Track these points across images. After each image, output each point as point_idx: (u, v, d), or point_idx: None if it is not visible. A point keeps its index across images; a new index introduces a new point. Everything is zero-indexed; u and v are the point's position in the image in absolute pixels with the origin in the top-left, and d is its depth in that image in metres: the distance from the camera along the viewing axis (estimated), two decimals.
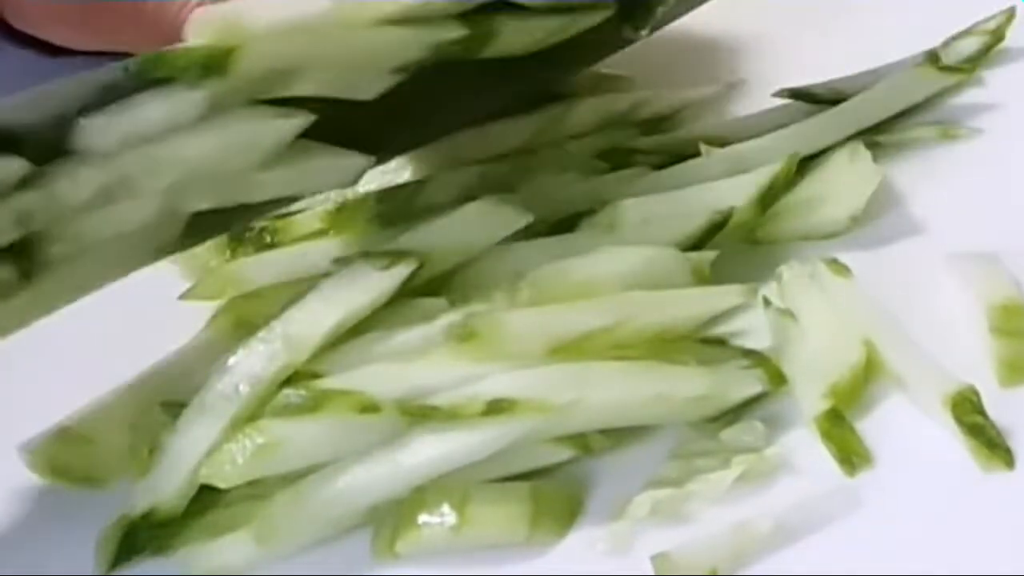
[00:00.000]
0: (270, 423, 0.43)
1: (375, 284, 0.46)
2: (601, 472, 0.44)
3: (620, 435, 0.45)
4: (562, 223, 0.50)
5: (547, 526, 0.43)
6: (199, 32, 0.45)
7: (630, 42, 0.56)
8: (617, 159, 0.54)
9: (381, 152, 0.50)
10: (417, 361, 0.44)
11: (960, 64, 0.56)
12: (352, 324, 0.45)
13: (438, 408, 0.43)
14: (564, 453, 0.44)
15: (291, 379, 0.44)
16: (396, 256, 0.46)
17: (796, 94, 0.56)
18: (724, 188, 0.50)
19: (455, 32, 0.48)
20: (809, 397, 0.44)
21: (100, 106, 0.44)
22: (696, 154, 0.52)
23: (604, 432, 0.44)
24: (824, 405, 0.43)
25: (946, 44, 0.56)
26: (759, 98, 0.57)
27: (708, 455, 0.43)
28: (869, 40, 0.59)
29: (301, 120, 0.46)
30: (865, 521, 0.41)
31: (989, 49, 0.57)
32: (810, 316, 0.46)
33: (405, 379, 0.43)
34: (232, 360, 0.44)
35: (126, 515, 0.44)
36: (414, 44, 0.47)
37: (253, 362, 0.44)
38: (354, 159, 0.48)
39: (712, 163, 0.52)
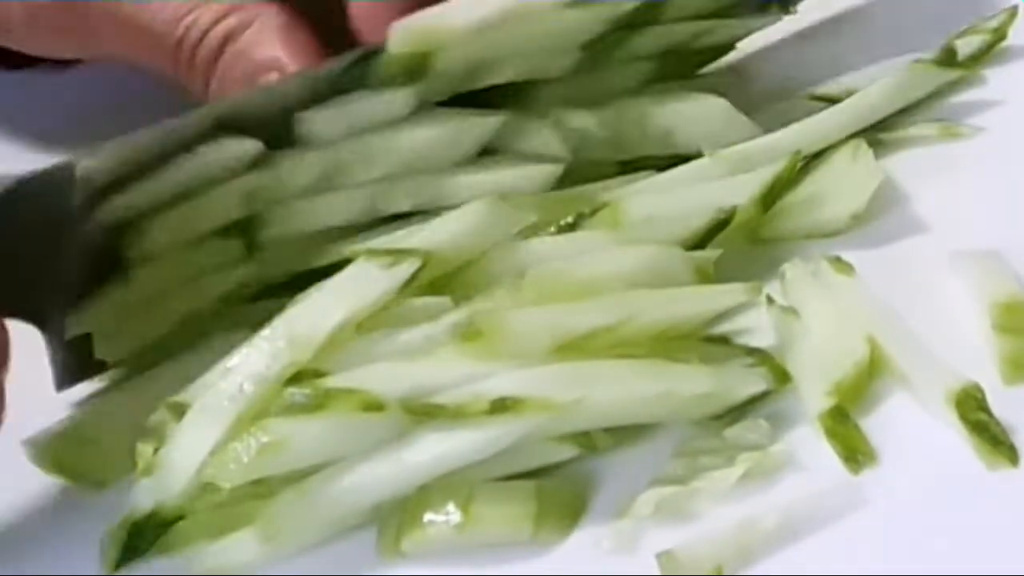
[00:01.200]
0: (274, 422, 0.43)
1: (379, 282, 0.46)
2: (606, 470, 0.44)
3: (624, 433, 0.45)
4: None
5: (552, 524, 0.43)
6: (402, 39, 0.50)
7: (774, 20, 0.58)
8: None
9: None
10: (421, 360, 0.44)
11: (962, 62, 0.56)
12: (356, 322, 0.45)
13: (442, 407, 0.43)
14: (568, 451, 0.44)
15: (295, 378, 0.44)
16: (399, 254, 0.46)
17: (797, 93, 0.56)
18: (727, 187, 0.50)
19: (630, 4, 0.52)
20: (813, 395, 0.44)
21: (321, 101, 0.50)
22: (699, 154, 0.52)
23: (608, 430, 0.44)
24: (828, 403, 0.43)
25: (948, 42, 0.56)
26: (760, 97, 0.57)
27: (712, 453, 0.43)
28: (870, 38, 0.59)
29: (499, 118, 0.52)
30: (869, 518, 0.41)
31: (991, 47, 0.57)
32: (813, 314, 0.46)
33: (409, 378, 0.43)
34: (236, 359, 0.44)
35: (130, 514, 0.44)
36: (595, 20, 0.52)
37: (257, 361, 0.44)
38: (542, 166, 0.52)
39: (714, 163, 0.51)
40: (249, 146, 0.49)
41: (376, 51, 0.50)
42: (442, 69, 0.51)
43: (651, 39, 0.54)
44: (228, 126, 0.49)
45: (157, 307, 0.50)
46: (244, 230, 0.50)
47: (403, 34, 0.50)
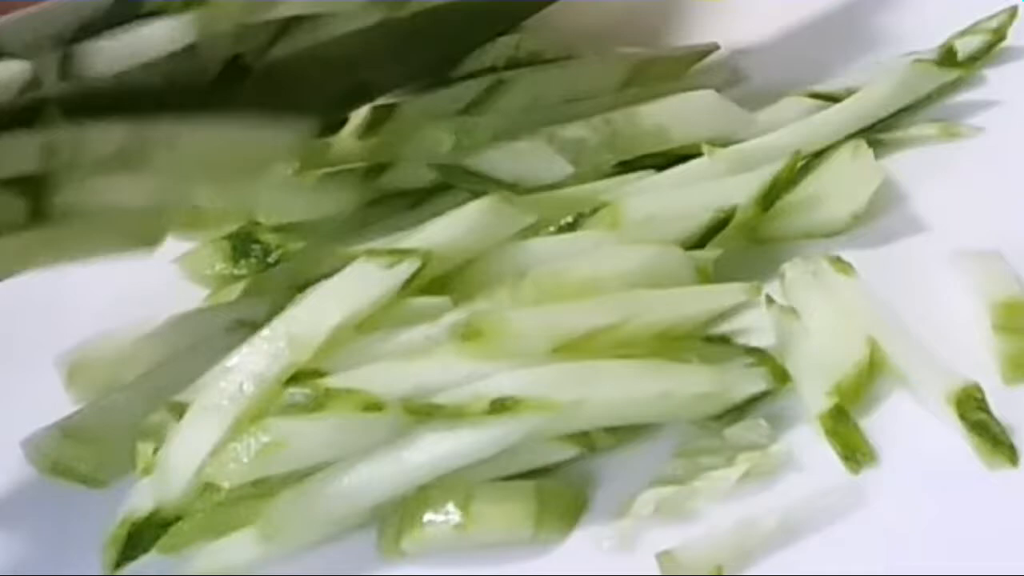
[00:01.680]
0: (274, 422, 0.43)
1: (378, 282, 0.46)
2: (606, 470, 0.44)
3: (624, 433, 0.45)
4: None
5: (552, 524, 0.43)
6: None
7: None
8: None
9: None
10: (421, 360, 0.44)
11: (962, 62, 0.56)
12: (356, 323, 0.45)
13: (442, 407, 0.43)
14: (568, 451, 0.44)
15: (295, 378, 0.44)
16: (399, 254, 0.46)
17: (798, 92, 0.56)
18: (726, 187, 0.50)
19: None
20: (813, 394, 0.44)
21: (95, 32, 0.46)
22: (699, 154, 0.52)
23: (608, 430, 0.44)
24: (828, 402, 0.43)
25: (948, 42, 0.56)
26: (760, 97, 0.57)
27: (712, 453, 0.43)
28: (871, 38, 0.59)
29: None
30: (869, 518, 0.41)
31: (991, 48, 0.57)
32: (813, 314, 0.46)
33: (409, 378, 0.43)
34: (236, 359, 0.44)
35: (131, 515, 0.44)
36: None
37: (257, 361, 0.44)
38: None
39: (714, 162, 0.51)
40: (17, 68, 0.44)
41: None
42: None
43: None
44: None
45: None
46: (32, 191, 0.45)
47: None
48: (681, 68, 0.58)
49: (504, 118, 0.53)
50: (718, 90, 0.54)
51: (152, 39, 0.46)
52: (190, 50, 0.47)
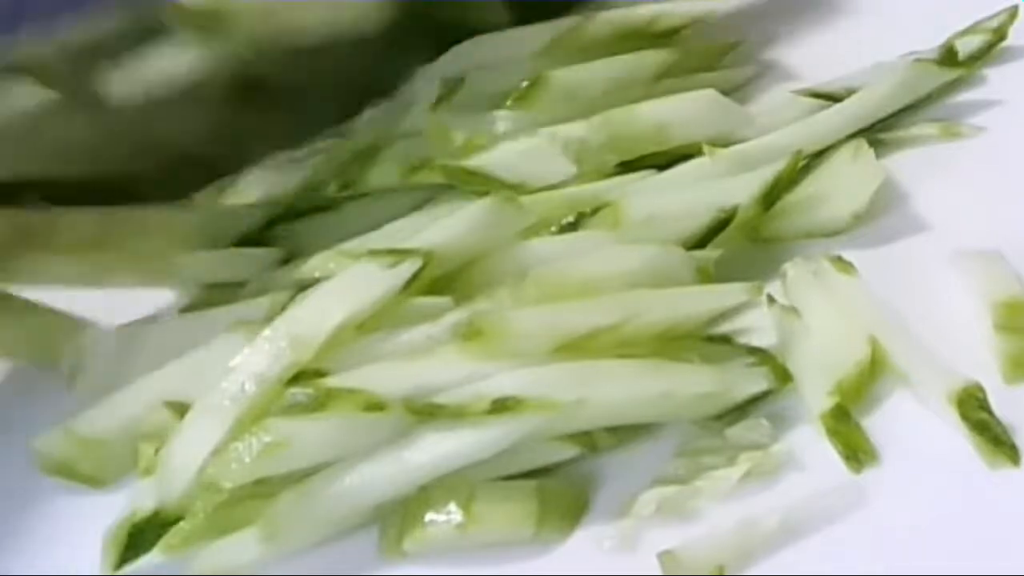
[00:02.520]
0: (276, 422, 0.43)
1: (380, 282, 0.46)
2: (607, 470, 0.44)
3: (626, 433, 0.45)
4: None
5: (553, 524, 0.43)
6: None
7: None
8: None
9: None
10: (422, 359, 0.44)
11: (963, 62, 0.56)
12: (357, 322, 0.45)
13: (444, 406, 0.43)
14: (570, 451, 0.44)
15: (297, 378, 0.44)
16: (401, 254, 0.46)
17: (798, 91, 0.56)
18: (728, 186, 0.50)
19: None
20: (815, 394, 0.44)
21: (112, 55, 0.49)
22: (699, 153, 0.52)
23: (610, 430, 0.45)
24: (830, 402, 0.43)
25: (949, 42, 0.56)
26: (760, 96, 0.57)
27: (714, 452, 0.43)
28: (872, 37, 0.59)
29: None
30: (871, 517, 0.41)
31: (991, 47, 0.57)
32: (815, 313, 0.46)
33: (411, 377, 0.43)
34: (238, 359, 0.44)
35: (132, 514, 0.44)
36: None
37: (259, 361, 0.44)
38: None
39: (715, 162, 0.51)
40: (42, 95, 0.47)
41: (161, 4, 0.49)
42: (240, 28, 0.50)
43: None
44: (20, 70, 0.48)
45: None
46: None
47: None
48: (713, 60, 0.58)
49: (545, 110, 0.53)
50: (746, 83, 0.54)
51: (167, 66, 0.48)
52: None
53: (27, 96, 0.47)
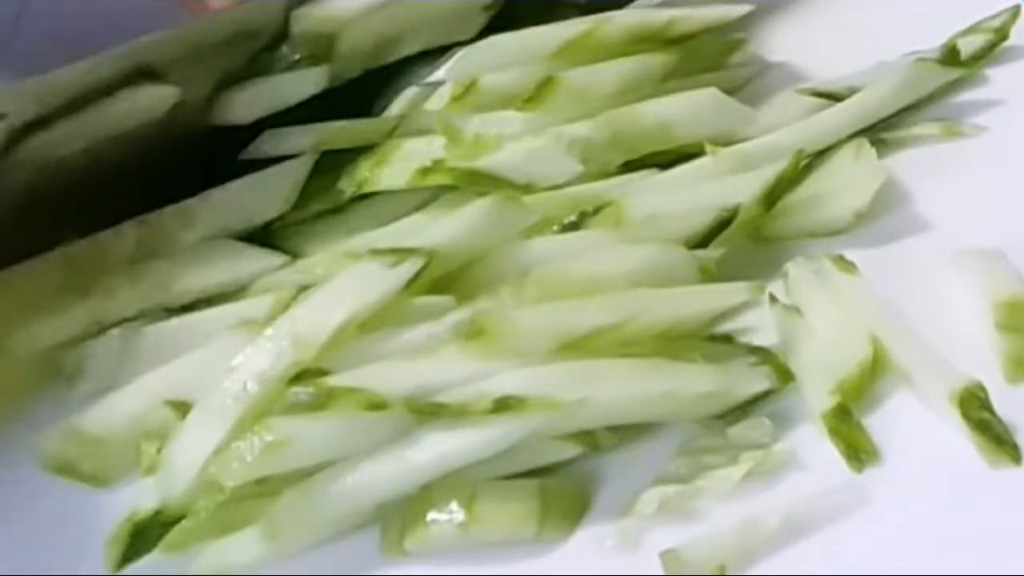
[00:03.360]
0: (278, 421, 0.43)
1: (382, 282, 0.46)
2: (609, 469, 0.44)
3: (628, 432, 0.45)
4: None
5: (555, 523, 0.43)
6: (304, 23, 0.52)
7: None
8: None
9: None
10: (425, 359, 0.44)
11: (965, 62, 0.56)
12: (359, 322, 0.45)
13: (446, 405, 0.43)
14: (572, 450, 0.44)
15: (299, 377, 0.44)
16: (403, 254, 0.46)
17: (801, 90, 0.56)
18: (730, 186, 0.50)
19: None
20: (816, 393, 0.44)
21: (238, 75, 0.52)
22: (702, 153, 0.52)
23: (612, 429, 0.45)
24: (831, 401, 0.43)
25: (951, 42, 0.56)
26: (761, 96, 0.57)
27: (716, 452, 0.43)
28: (874, 37, 0.59)
29: None
30: (873, 517, 0.41)
31: (994, 47, 0.57)
32: (817, 313, 0.47)
33: (413, 377, 0.43)
34: (240, 358, 0.44)
35: (135, 514, 0.44)
36: None
37: (261, 360, 0.44)
38: None
39: (717, 161, 0.51)
40: (168, 93, 0.50)
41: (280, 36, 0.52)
42: (348, 49, 0.52)
43: None
44: (147, 72, 0.50)
45: None
46: None
47: (305, 19, 0.52)
48: (716, 60, 0.58)
49: (554, 111, 0.53)
50: (748, 82, 0.55)
51: (286, 91, 0.52)
52: None
53: (158, 97, 0.50)
